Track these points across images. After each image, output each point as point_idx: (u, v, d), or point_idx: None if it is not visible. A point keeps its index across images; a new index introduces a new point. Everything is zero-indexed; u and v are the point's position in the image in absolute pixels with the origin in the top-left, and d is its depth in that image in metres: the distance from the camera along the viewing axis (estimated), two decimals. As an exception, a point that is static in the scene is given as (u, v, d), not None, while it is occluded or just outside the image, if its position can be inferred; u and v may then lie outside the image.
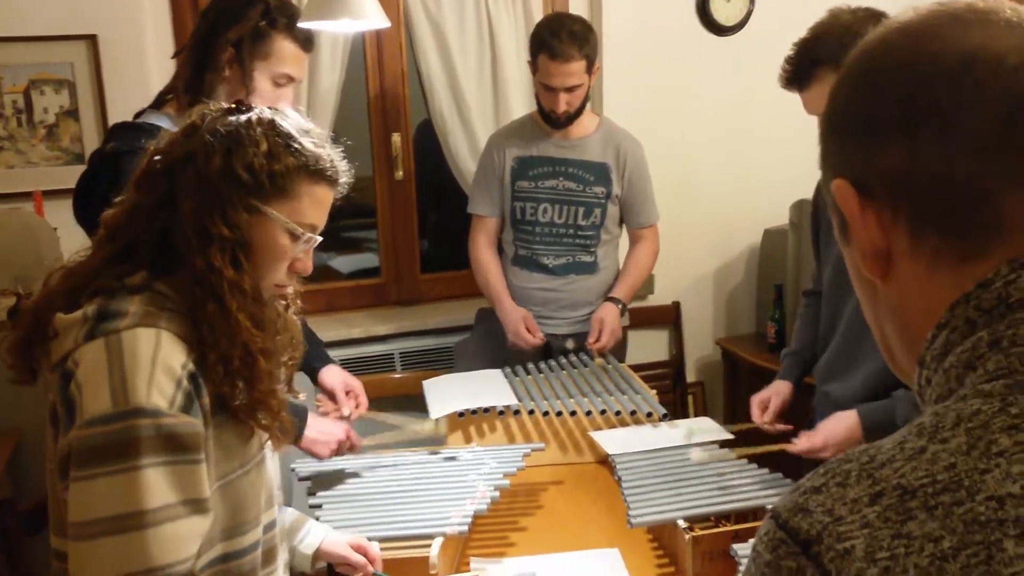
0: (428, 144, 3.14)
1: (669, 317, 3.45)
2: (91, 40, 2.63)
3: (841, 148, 0.63)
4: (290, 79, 1.81)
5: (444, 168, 3.13)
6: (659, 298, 3.42)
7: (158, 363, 1.08)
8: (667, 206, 3.01)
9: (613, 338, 2.54)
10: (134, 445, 1.05)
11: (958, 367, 0.56)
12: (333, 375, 2.05)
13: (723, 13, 3.22)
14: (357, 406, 2.02)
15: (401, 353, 3.01)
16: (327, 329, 2.98)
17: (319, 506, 1.78)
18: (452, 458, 1.96)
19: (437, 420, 2.09)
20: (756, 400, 2.07)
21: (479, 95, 3.03)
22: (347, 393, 2.03)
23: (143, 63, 2.67)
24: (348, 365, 2.93)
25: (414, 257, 3.20)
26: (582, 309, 2.65)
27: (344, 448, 1.83)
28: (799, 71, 1.75)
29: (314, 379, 2.06)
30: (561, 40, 2.37)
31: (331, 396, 2.03)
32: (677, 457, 1.93)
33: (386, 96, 3.05)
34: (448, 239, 3.25)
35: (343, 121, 3.09)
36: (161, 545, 1.06)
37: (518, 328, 2.54)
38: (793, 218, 3.05)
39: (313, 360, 2.04)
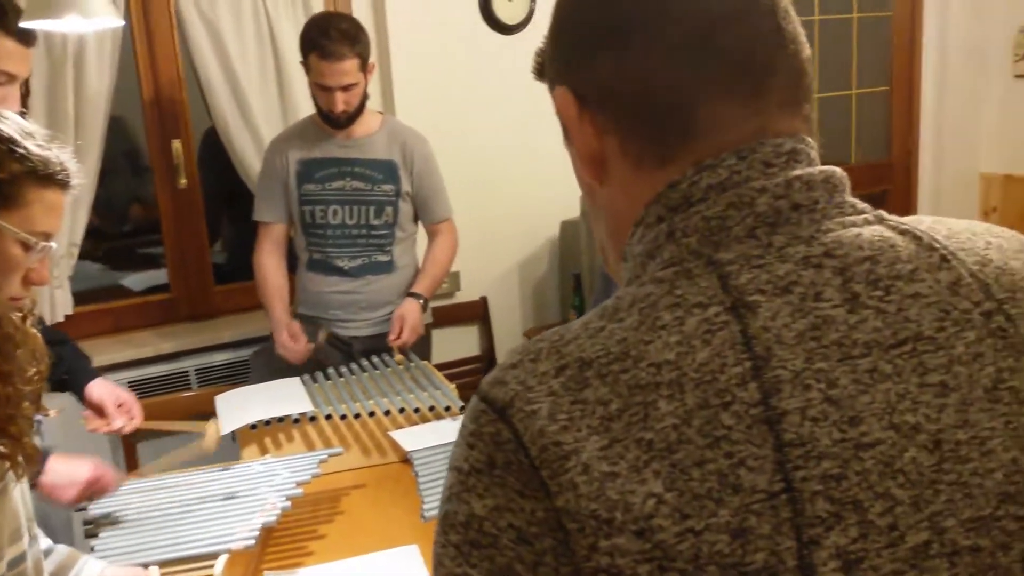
0: (217, 151, 3.03)
1: (477, 312, 3.47)
2: None
3: (561, 58, 0.67)
4: (10, 77, 1.67)
5: (236, 175, 3.02)
6: (466, 294, 3.43)
7: None
8: (467, 203, 3.03)
9: (414, 334, 2.54)
10: None
11: (642, 256, 0.62)
12: (101, 388, 1.93)
13: (505, 12, 3.26)
14: (132, 419, 1.92)
15: (196, 370, 2.88)
16: (114, 351, 2.82)
17: (95, 535, 1.67)
18: (228, 494, 1.88)
19: (217, 429, 2.01)
20: None
21: (263, 98, 2.94)
22: (119, 406, 1.91)
23: None
24: (139, 386, 2.80)
25: (206, 269, 3.07)
26: (382, 309, 2.62)
27: (97, 489, 1.66)
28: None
29: (80, 395, 1.94)
30: (331, 39, 2.34)
31: (99, 411, 1.91)
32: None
33: (162, 102, 2.91)
34: (245, 248, 3.14)
35: (118, 129, 2.93)
36: None
37: (279, 337, 2.50)
38: (584, 207, 3.14)
39: (78, 375, 1.92)
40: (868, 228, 0.58)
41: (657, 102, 0.60)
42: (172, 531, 1.67)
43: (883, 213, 0.61)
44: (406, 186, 2.59)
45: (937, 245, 0.59)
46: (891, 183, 4.35)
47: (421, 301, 2.60)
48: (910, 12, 4.21)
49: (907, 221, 0.61)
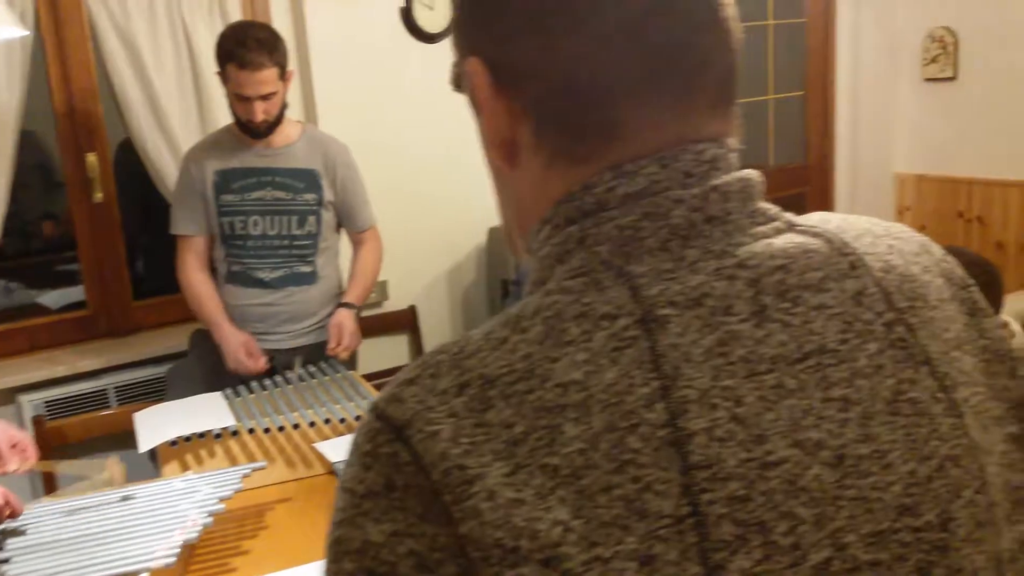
0: (133, 163, 2.96)
1: (406, 322, 3.46)
2: None
3: (478, 27, 0.61)
4: None
5: (153, 188, 2.96)
6: (394, 303, 3.42)
7: None
8: (393, 211, 3.02)
9: (355, 339, 2.53)
10: None
11: (550, 259, 0.58)
12: None
13: (427, 20, 3.26)
14: (26, 459, 1.84)
15: (116, 387, 2.81)
16: (30, 371, 2.74)
17: (7, 560, 1.62)
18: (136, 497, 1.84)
19: (121, 470, 1.96)
20: None
21: (180, 108, 2.89)
22: (13, 447, 1.85)
23: None
24: (56, 406, 2.72)
25: (124, 284, 3.00)
26: (305, 321, 2.59)
27: (3, 515, 1.62)
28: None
29: None
30: (248, 48, 2.31)
31: None
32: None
33: (76, 114, 2.84)
34: (164, 262, 3.09)
35: (29, 143, 2.85)
36: None
37: (238, 355, 2.45)
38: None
39: None
40: (780, 236, 0.57)
41: (579, 97, 0.56)
42: (90, 552, 1.62)
43: (792, 218, 0.60)
44: (328, 195, 2.57)
45: (848, 250, 0.58)
46: (808, 185, 4.46)
47: (354, 310, 2.58)
48: (823, 18, 4.33)
49: (817, 224, 0.60)
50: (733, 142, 0.60)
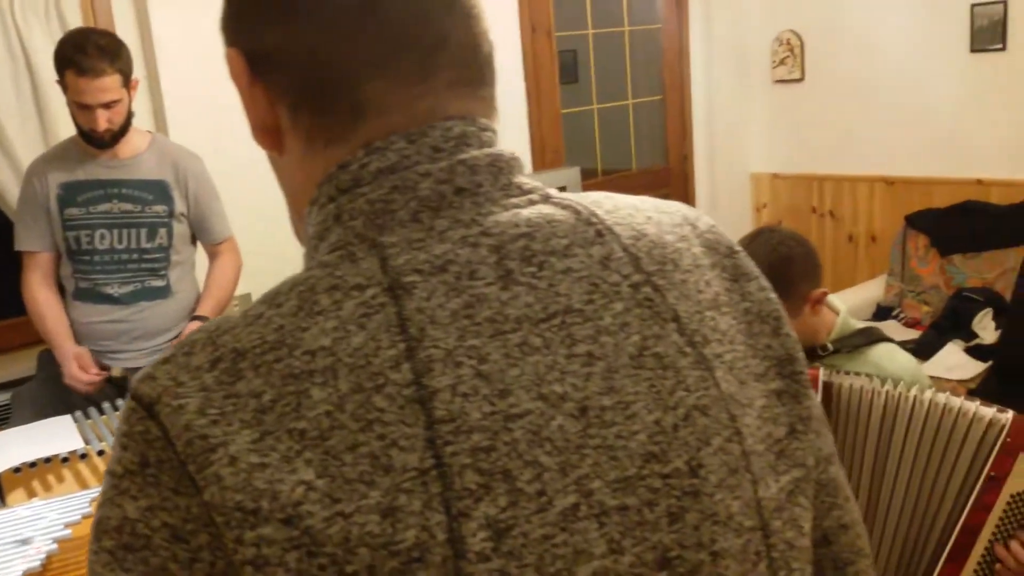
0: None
1: (274, 335, 3.38)
2: None
3: (232, 18, 0.63)
4: None
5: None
6: (260, 317, 3.34)
7: None
8: (256, 222, 2.92)
9: None
10: None
11: (315, 238, 0.60)
12: None
13: (283, 25, 3.20)
14: None
15: (-42, 416, 2.65)
16: None
17: None
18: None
19: None
20: None
21: (20, 122, 2.75)
22: None
23: None
24: None
25: (-37, 307, 2.84)
26: (159, 337, 2.51)
27: None
28: None
29: None
30: (88, 55, 2.23)
31: None
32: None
33: (-97, 129, 2.67)
34: (11, 282, 2.93)
35: None
36: None
37: (70, 369, 2.35)
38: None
39: None
40: (531, 207, 0.60)
41: (322, 78, 0.59)
42: (-82, 591, 1.52)
43: (551, 192, 0.62)
44: (180, 207, 2.49)
45: (595, 220, 0.61)
46: (670, 187, 4.60)
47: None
48: (677, 24, 4.48)
49: (571, 197, 0.63)
50: (487, 122, 0.62)
